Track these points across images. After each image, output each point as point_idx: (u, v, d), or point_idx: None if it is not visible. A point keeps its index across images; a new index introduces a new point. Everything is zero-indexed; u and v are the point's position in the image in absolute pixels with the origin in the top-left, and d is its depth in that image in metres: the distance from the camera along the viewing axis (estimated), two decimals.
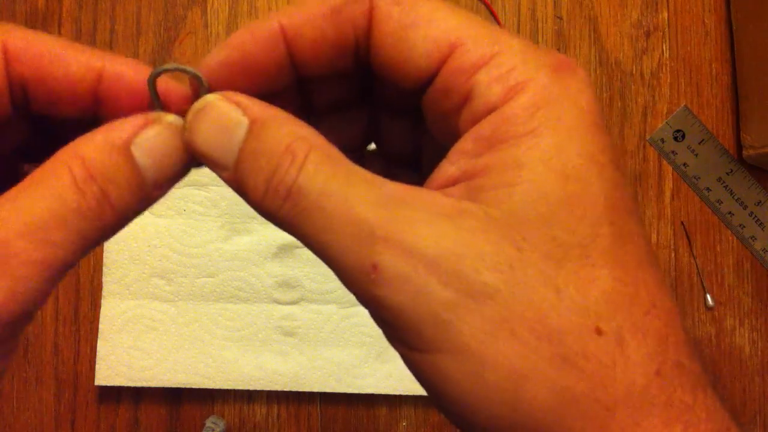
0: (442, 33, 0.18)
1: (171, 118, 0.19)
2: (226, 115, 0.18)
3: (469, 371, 0.16)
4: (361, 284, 0.17)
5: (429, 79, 0.19)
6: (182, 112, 0.19)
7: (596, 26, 0.55)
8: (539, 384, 0.16)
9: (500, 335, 0.16)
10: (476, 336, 0.16)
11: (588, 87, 0.18)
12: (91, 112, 0.20)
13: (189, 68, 0.20)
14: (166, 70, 0.20)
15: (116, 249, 0.51)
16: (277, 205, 0.18)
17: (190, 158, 0.19)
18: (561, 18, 0.55)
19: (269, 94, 0.19)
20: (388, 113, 0.24)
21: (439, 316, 0.16)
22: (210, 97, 0.19)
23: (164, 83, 0.20)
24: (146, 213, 0.22)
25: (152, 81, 0.20)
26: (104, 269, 0.51)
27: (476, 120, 0.18)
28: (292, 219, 0.18)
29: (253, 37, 0.19)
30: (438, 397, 0.17)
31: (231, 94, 0.19)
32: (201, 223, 0.51)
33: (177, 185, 0.20)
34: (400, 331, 0.17)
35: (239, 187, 0.19)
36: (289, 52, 0.19)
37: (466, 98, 0.18)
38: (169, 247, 0.51)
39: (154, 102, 0.20)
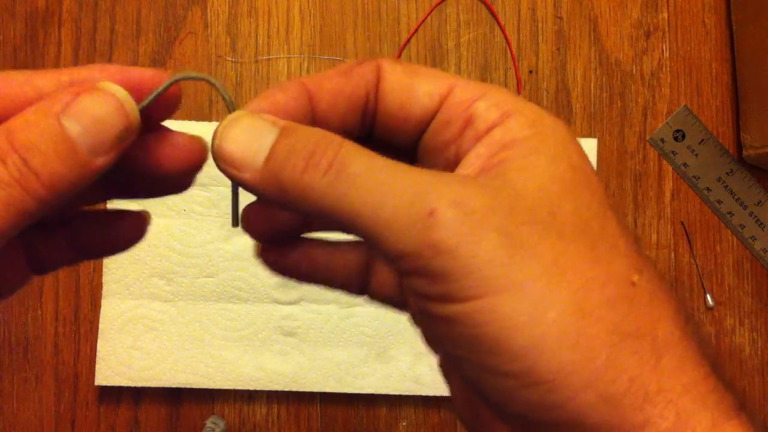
0: (440, 80, 0.22)
1: (113, 88, 0.19)
2: (258, 122, 0.20)
3: (530, 309, 0.17)
4: (416, 234, 0.18)
5: (431, 116, 0.22)
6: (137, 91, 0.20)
7: (596, 26, 0.55)
8: (597, 322, 0.17)
9: (555, 273, 0.18)
10: (534, 273, 0.18)
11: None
12: None
13: (214, 80, 0.21)
14: (189, 78, 0.21)
15: None
16: (318, 176, 0.19)
17: (129, 122, 0.19)
18: (561, 18, 0.55)
19: None
20: None
21: (498, 253, 0.18)
22: (243, 111, 0.20)
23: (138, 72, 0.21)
24: None
25: (167, 87, 0.21)
26: (104, 269, 0.51)
27: (479, 137, 0.20)
28: (333, 188, 0.19)
29: (280, 87, 0.22)
30: (490, 350, 0.18)
31: (262, 112, 0.21)
32: (201, 223, 0.51)
33: None
34: (453, 278, 0.18)
35: (267, 180, 0.19)
36: (310, 103, 0.22)
37: (467, 124, 0.21)
38: (169, 247, 0.51)
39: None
